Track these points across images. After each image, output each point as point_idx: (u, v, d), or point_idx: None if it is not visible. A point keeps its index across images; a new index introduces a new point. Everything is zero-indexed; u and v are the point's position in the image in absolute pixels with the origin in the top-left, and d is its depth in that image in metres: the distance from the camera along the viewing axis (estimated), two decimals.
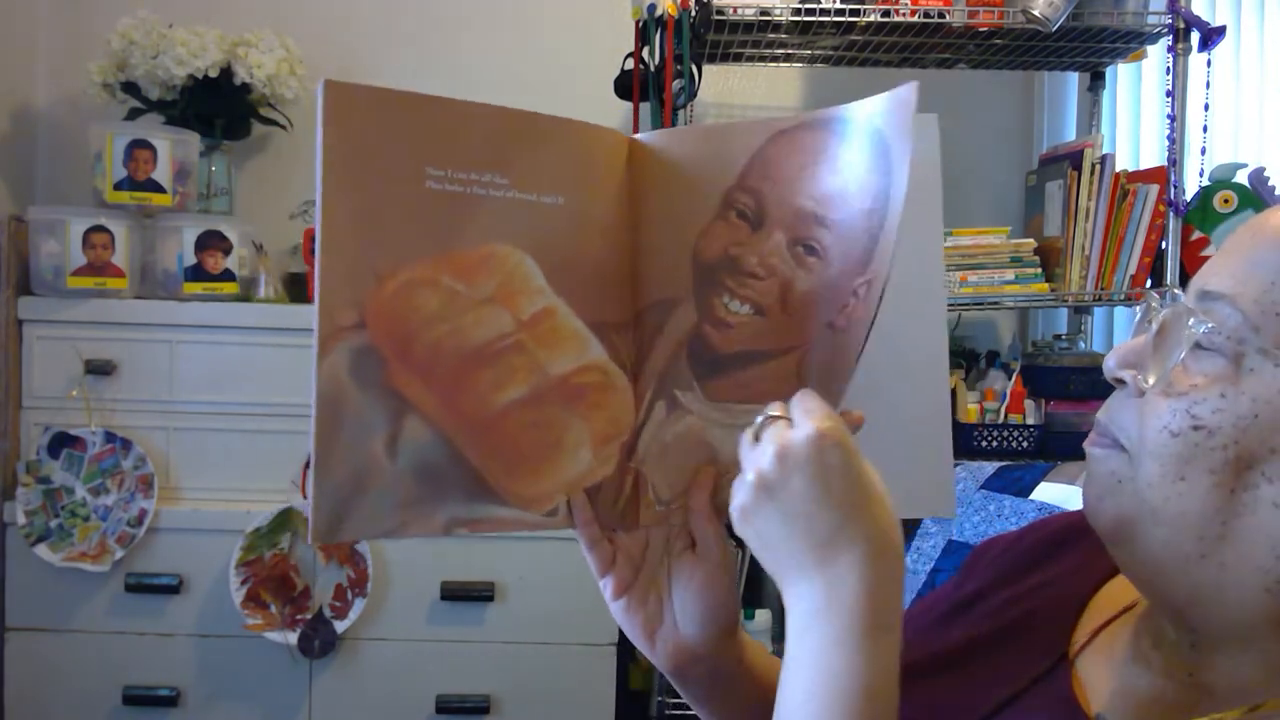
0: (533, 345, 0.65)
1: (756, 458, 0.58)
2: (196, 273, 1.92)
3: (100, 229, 1.87)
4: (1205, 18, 1.97)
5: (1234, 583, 0.56)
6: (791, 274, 0.65)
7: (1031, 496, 1.47)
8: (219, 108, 2.09)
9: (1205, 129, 1.94)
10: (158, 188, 1.93)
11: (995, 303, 2.01)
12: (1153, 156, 2.18)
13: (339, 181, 0.60)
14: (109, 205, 1.92)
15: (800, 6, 1.94)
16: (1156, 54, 2.13)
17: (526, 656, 1.90)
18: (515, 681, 1.89)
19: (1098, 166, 2.00)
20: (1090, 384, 2.04)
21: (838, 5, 1.93)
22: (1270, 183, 1.95)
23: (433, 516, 0.63)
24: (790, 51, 2.18)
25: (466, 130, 0.64)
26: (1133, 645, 0.65)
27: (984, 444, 2.02)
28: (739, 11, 1.95)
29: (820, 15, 1.94)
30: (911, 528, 1.59)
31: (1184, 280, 1.95)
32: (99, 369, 1.87)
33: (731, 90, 2.43)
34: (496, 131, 0.65)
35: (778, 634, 1.96)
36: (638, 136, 0.70)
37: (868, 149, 0.61)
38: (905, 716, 0.60)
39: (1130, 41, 2.05)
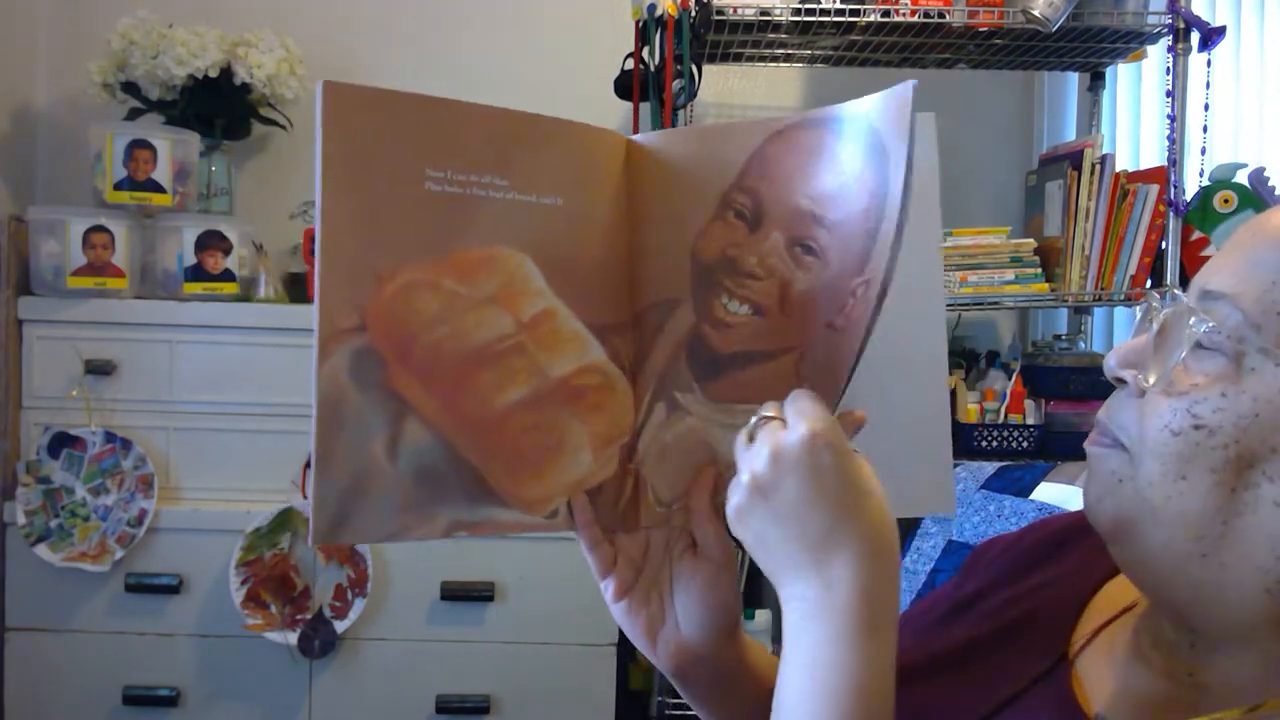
0: (533, 347, 0.65)
1: (750, 459, 0.58)
2: (196, 273, 1.92)
3: (100, 229, 1.87)
4: (1205, 18, 1.97)
5: (1234, 582, 0.56)
6: (790, 274, 0.65)
7: (1031, 497, 1.47)
8: (219, 108, 2.09)
9: (1205, 129, 1.94)
10: (158, 188, 1.93)
11: (995, 303, 2.01)
12: (1153, 156, 2.18)
13: (338, 183, 0.60)
14: (109, 205, 1.92)
15: (800, 6, 1.94)
16: (1156, 54, 2.13)
17: (526, 656, 1.90)
18: (515, 681, 1.89)
19: (1098, 166, 2.00)
20: (1090, 384, 2.04)
21: (838, 5, 1.93)
22: (1270, 183, 1.95)
23: (434, 519, 0.63)
24: (790, 51, 2.18)
25: (466, 131, 0.64)
26: (1133, 645, 0.65)
27: (984, 444, 2.02)
28: (739, 11, 1.95)
29: (820, 15, 1.94)
30: (911, 528, 1.59)
31: (1184, 280, 1.95)
32: (99, 369, 1.87)
33: (731, 90, 2.43)
34: (496, 133, 0.65)
35: (777, 634, 1.96)
36: (635, 137, 0.70)
37: (864, 148, 0.61)
38: (905, 716, 0.60)
39: (1130, 41, 2.05)
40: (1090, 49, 2.09)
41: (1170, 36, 1.95)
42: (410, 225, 0.62)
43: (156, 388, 1.89)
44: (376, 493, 0.61)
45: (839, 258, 0.62)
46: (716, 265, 0.67)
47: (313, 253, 0.62)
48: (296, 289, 2.09)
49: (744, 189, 0.67)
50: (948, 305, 1.99)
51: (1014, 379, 2.04)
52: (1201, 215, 1.98)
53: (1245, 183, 1.96)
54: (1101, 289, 2.00)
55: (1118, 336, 2.30)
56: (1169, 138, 1.96)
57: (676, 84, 2.02)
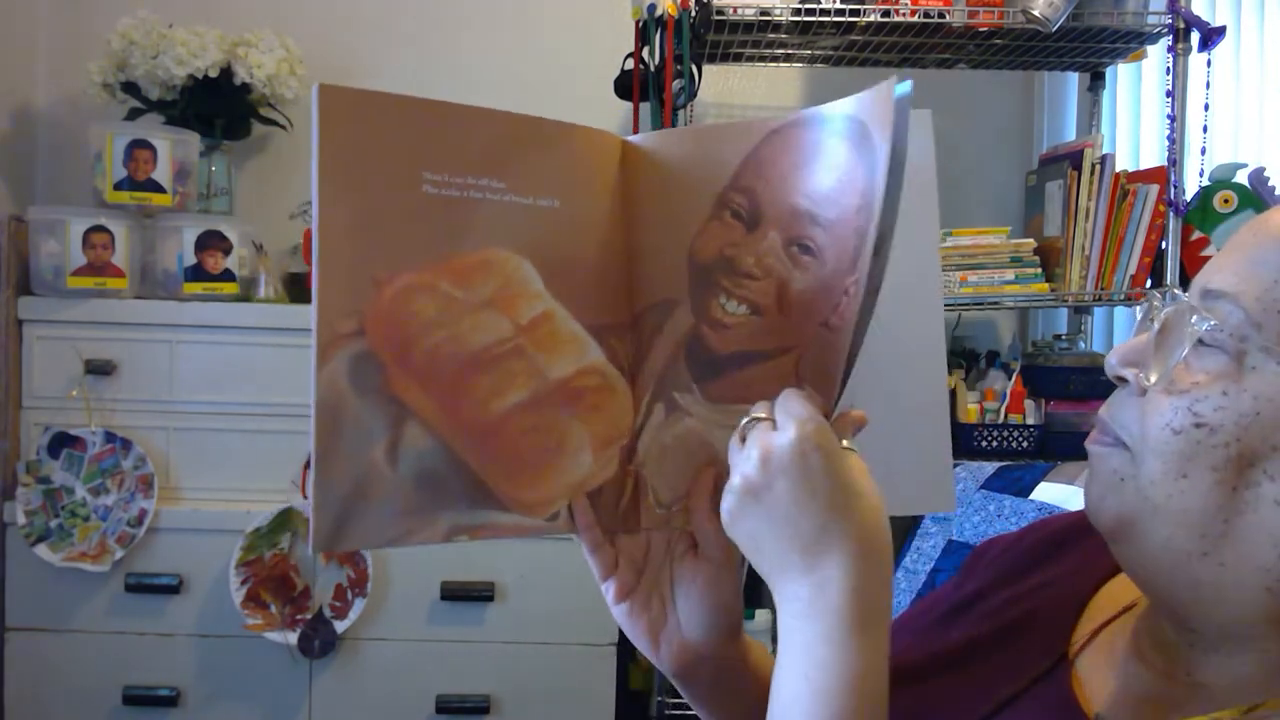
0: (532, 349, 0.65)
1: (742, 461, 0.58)
2: (196, 273, 1.92)
3: (100, 229, 1.87)
4: (1205, 18, 1.97)
5: (1235, 581, 0.56)
6: (787, 274, 0.64)
7: (1031, 496, 1.47)
8: (219, 108, 2.09)
9: (1205, 129, 1.94)
10: (158, 188, 1.94)
11: (995, 303, 2.01)
12: (1153, 156, 2.18)
13: (335, 187, 0.60)
14: (109, 205, 1.92)
15: (800, 6, 1.94)
16: (1156, 54, 2.13)
17: (526, 656, 1.90)
18: (515, 681, 1.89)
19: (1098, 166, 2.00)
20: (1090, 384, 2.04)
21: (838, 5, 1.93)
22: (1270, 183, 1.95)
23: (435, 523, 0.62)
24: (790, 51, 2.18)
25: (462, 134, 0.64)
26: (1132, 645, 0.65)
27: (984, 444, 2.02)
28: (739, 11, 1.95)
29: (820, 15, 1.94)
30: (911, 527, 1.59)
31: (1184, 280, 1.95)
32: (99, 369, 1.87)
33: (731, 90, 2.43)
34: (492, 135, 0.65)
35: (777, 634, 1.96)
36: (631, 138, 0.70)
37: (856, 145, 0.61)
38: (905, 716, 0.60)
39: (1130, 41, 2.05)
40: (1090, 49, 2.09)
41: (1170, 36, 1.95)
42: (408, 229, 0.62)
43: (156, 388, 1.89)
44: (377, 498, 0.61)
45: (834, 256, 0.62)
46: (714, 265, 0.67)
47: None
48: (296, 289, 2.09)
49: (740, 189, 0.67)
50: (948, 305, 1.99)
51: (1014, 379, 2.04)
52: (1201, 215, 1.98)
53: (1245, 183, 1.96)
54: (1101, 289, 2.00)
55: (1118, 336, 2.30)
56: (1169, 138, 1.96)
57: (676, 84, 2.02)
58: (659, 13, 2.00)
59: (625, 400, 0.68)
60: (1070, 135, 2.34)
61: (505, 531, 0.64)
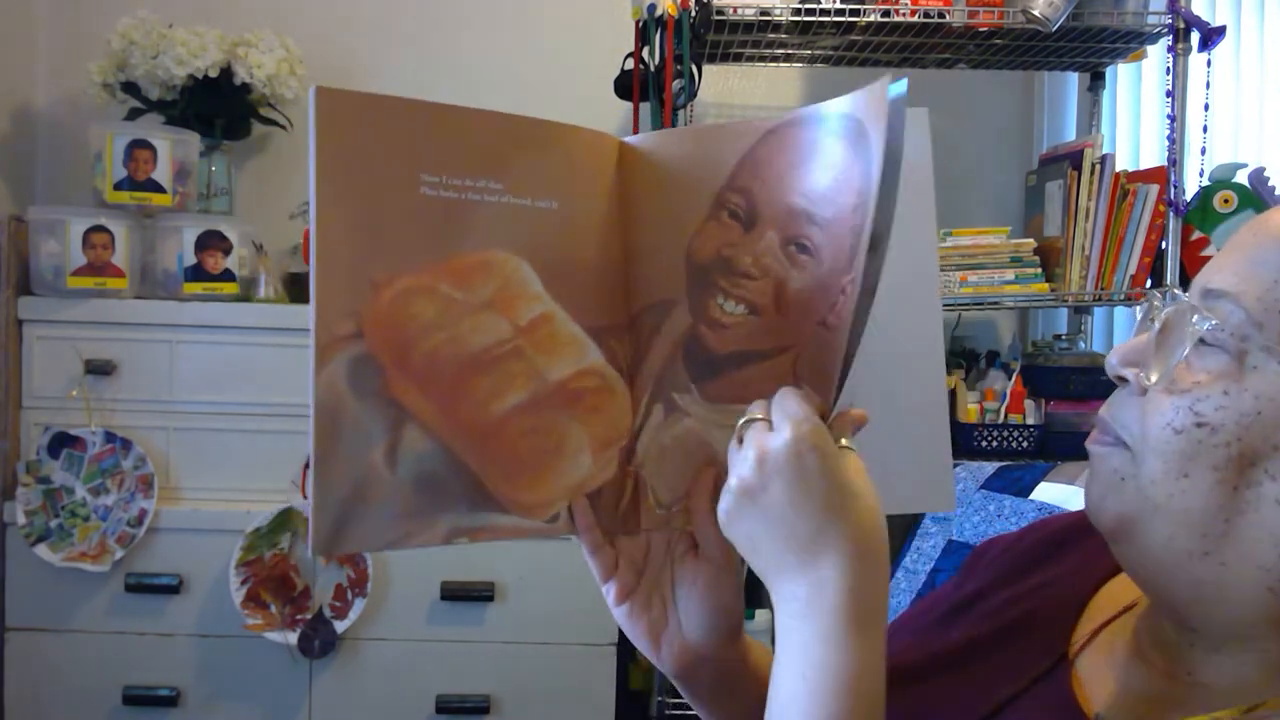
0: (531, 351, 0.65)
1: (738, 462, 0.58)
2: (196, 273, 1.92)
3: (100, 229, 1.87)
4: (1205, 18, 1.97)
5: (1236, 581, 0.56)
6: (785, 273, 0.64)
7: (1031, 496, 1.47)
8: (219, 108, 2.09)
9: (1205, 129, 1.94)
10: (158, 188, 1.93)
11: (995, 303, 2.01)
12: (1153, 156, 2.18)
13: (333, 189, 0.60)
14: (109, 205, 1.92)
15: (800, 6, 1.94)
16: (1156, 54, 2.13)
17: (526, 656, 1.90)
18: (515, 681, 1.89)
19: (1098, 166, 2.00)
20: (1090, 384, 2.04)
21: (838, 5, 1.93)
22: (1270, 183, 1.95)
23: (434, 526, 0.62)
24: (790, 51, 2.18)
25: (460, 136, 0.64)
26: (1132, 645, 0.65)
27: (984, 444, 2.02)
28: (739, 11, 1.95)
29: (820, 15, 1.94)
30: (911, 527, 1.59)
31: (1184, 280, 1.95)
32: (99, 369, 1.87)
33: (731, 90, 2.43)
34: (490, 136, 0.65)
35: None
36: (628, 139, 0.70)
37: (851, 144, 0.61)
38: (905, 716, 0.60)
39: (1130, 41, 2.05)
40: (1090, 49, 2.09)
41: (1170, 36, 1.95)
42: (406, 231, 0.62)
43: (156, 388, 1.89)
44: (376, 501, 0.61)
45: (831, 256, 0.62)
46: (712, 265, 0.67)
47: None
48: (296, 289, 2.09)
49: (737, 189, 0.67)
50: (948, 305, 1.99)
51: (1014, 379, 2.04)
52: (1201, 215, 1.98)
53: (1245, 183, 1.96)
54: (1101, 289, 2.00)
55: (1118, 336, 2.30)
56: (1169, 138, 1.96)
57: (676, 84, 2.02)
58: (659, 13, 2.00)
59: (624, 401, 0.68)
60: (1070, 135, 2.34)
61: (505, 533, 0.64)
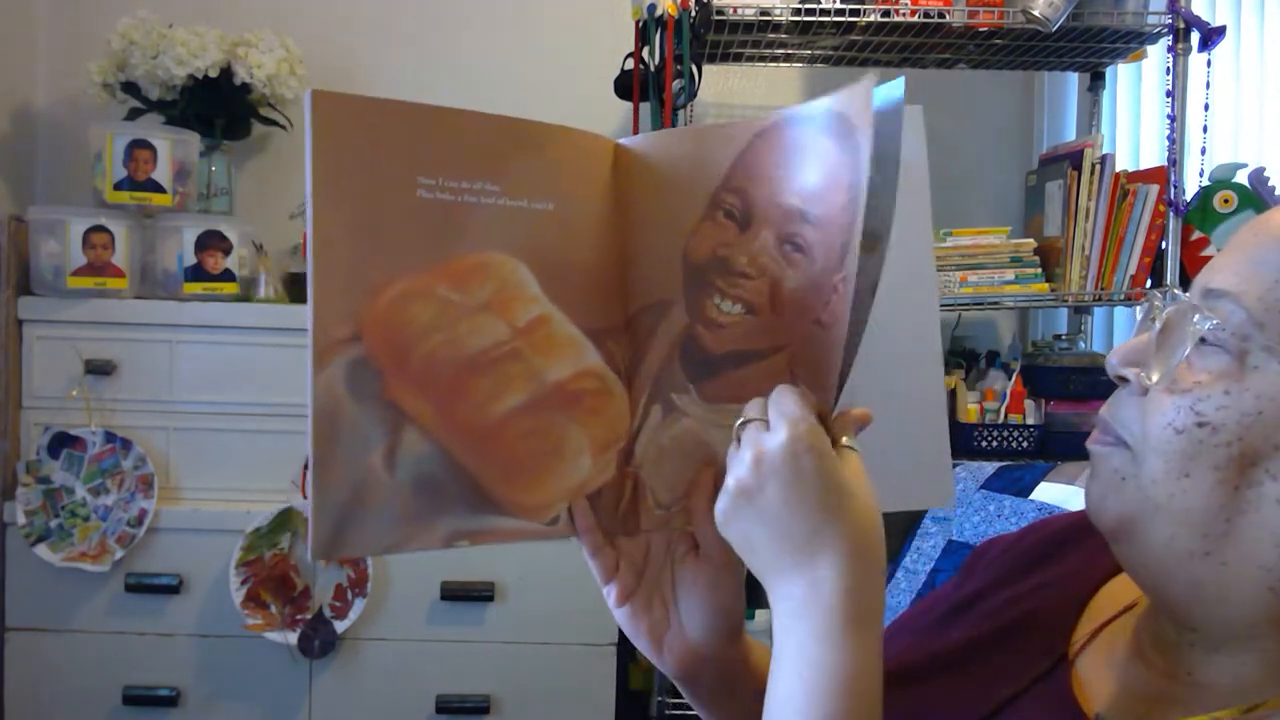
0: (529, 353, 0.65)
1: (735, 463, 0.59)
2: (196, 273, 1.92)
3: (100, 229, 1.87)
4: (1205, 18, 1.97)
5: (1236, 580, 0.56)
6: (781, 272, 0.65)
7: (1031, 496, 1.48)
8: (219, 108, 2.09)
9: (1205, 129, 1.94)
10: (158, 188, 1.93)
11: (995, 303, 2.01)
12: (1153, 156, 2.18)
13: (330, 193, 0.60)
14: (109, 205, 1.92)
15: (800, 6, 1.94)
16: (1156, 54, 2.13)
17: (526, 656, 1.90)
18: (515, 681, 1.89)
19: (1098, 166, 2.00)
20: (1090, 384, 2.04)
21: (838, 5, 1.93)
22: (1270, 183, 1.95)
23: (433, 529, 0.62)
24: (790, 51, 2.18)
25: (456, 138, 0.64)
26: (1133, 645, 0.65)
27: (984, 444, 2.02)
28: (739, 11, 1.95)
29: (820, 15, 1.94)
30: (911, 527, 1.59)
31: (1184, 280, 1.95)
32: (99, 369, 1.87)
33: (731, 90, 2.43)
34: (486, 139, 0.65)
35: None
36: (623, 141, 0.70)
37: (839, 140, 0.61)
38: (905, 716, 0.60)
39: (1130, 41, 2.05)
40: (1090, 49, 2.09)
41: (1170, 36, 1.95)
42: (403, 234, 0.62)
43: (156, 388, 1.89)
44: (375, 504, 0.61)
45: (823, 254, 0.62)
46: (708, 265, 0.67)
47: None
48: (296, 289, 2.09)
49: (732, 189, 0.67)
50: (948, 305, 1.99)
51: (1014, 379, 2.04)
52: (1201, 215, 1.98)
53: (1245, 183, 1.96)
54: (1101, 289, 2.00)
55: (1118, 336, 2.30)
56: (1169, 138, 1.96)
57: (676, 84, 2.02)
58: (659, 13, 2.00)
59: (622, 403, 0.68)
60: (1070, 135, 2.34)
61: (505, 536, 0.64)
